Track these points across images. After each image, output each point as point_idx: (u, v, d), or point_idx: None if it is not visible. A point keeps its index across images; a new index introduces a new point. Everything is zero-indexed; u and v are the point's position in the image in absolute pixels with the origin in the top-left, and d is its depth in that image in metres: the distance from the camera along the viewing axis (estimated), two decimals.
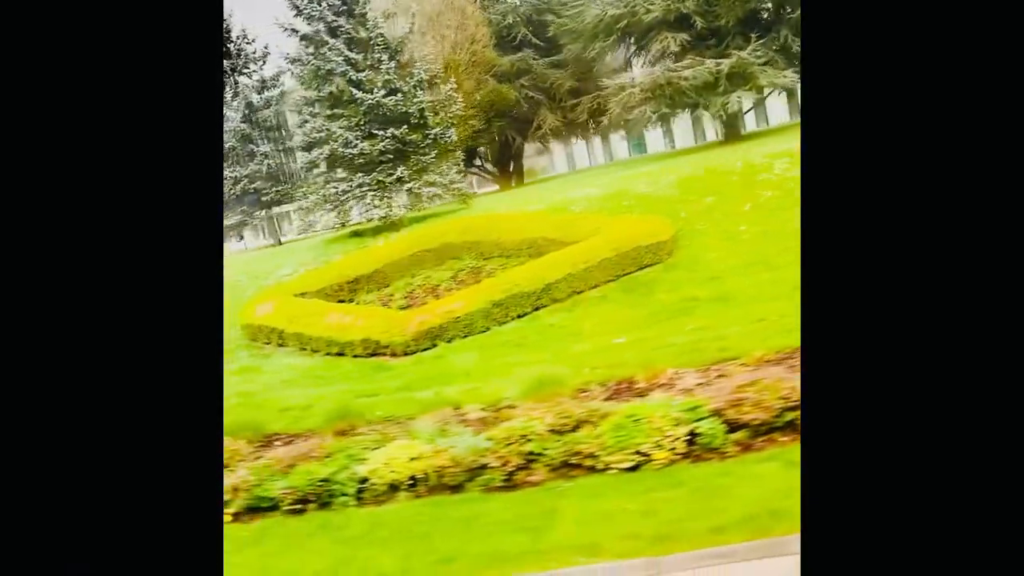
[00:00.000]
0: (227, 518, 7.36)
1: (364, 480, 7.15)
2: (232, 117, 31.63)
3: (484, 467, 6.94)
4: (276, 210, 34.72)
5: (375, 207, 18.24)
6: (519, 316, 12.68)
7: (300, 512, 7.20)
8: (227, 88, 32.51)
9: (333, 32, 18.61)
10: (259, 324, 15.17)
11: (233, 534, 7.19)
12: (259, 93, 32.27)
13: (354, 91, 18.11)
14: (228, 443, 8.38)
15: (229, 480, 7.60)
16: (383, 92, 18.21)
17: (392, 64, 18.35)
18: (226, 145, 31.46)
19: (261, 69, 32.79)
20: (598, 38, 24.82)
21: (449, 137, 19.65)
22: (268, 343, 15.06)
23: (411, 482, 7.08)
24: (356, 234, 20.71)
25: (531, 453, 6.91)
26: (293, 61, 19.26)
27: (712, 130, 31.48)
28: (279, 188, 32.17)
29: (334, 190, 18.43)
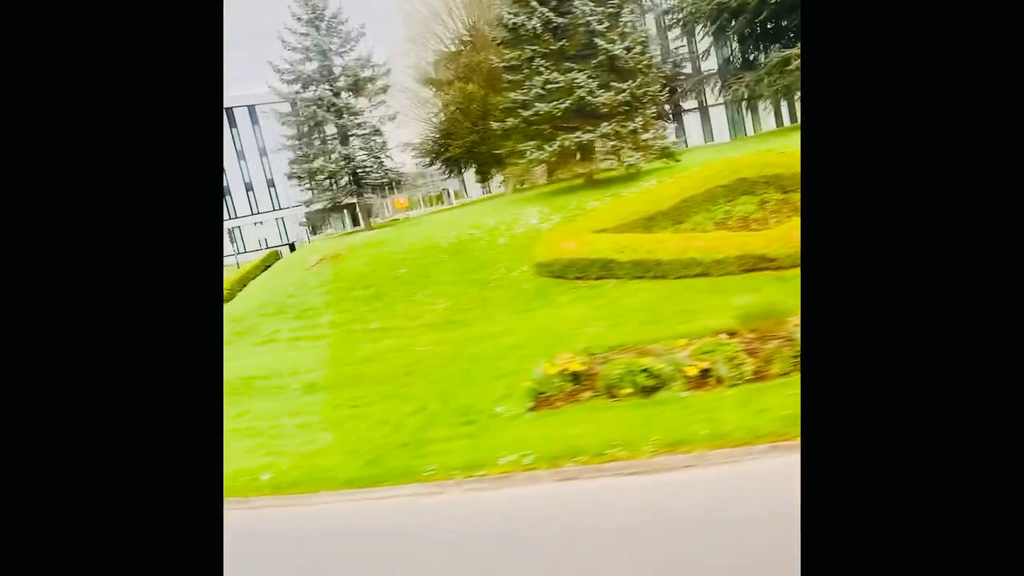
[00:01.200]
0: None
1: None
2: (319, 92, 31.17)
3: None
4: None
5: (627, 156, 18.58)
6: None
7: None
8: (320, 69, 32.00)
9: None
10: (570, 260, 15.29)
11: None
12: (363, 70, 31.85)
13: (598, 42, 18.46)
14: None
15: None
16: (623, 45, 18.64)
17: (631, 17, 18.80)
18: (335, 124, 31.01)
19: (352, 49, 32.43)
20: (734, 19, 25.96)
21: (666, 95, 20.24)
22: (580, 277, 15.17)
23: None
24: (562, 191, 20.88)
25: None
26: (515, 14, 19.39)
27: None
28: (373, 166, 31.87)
29: (577, 140, 18.65)
